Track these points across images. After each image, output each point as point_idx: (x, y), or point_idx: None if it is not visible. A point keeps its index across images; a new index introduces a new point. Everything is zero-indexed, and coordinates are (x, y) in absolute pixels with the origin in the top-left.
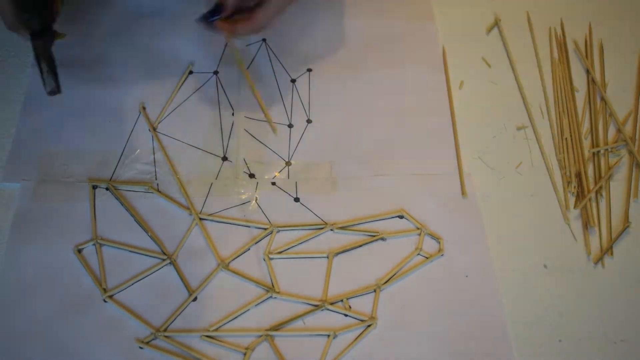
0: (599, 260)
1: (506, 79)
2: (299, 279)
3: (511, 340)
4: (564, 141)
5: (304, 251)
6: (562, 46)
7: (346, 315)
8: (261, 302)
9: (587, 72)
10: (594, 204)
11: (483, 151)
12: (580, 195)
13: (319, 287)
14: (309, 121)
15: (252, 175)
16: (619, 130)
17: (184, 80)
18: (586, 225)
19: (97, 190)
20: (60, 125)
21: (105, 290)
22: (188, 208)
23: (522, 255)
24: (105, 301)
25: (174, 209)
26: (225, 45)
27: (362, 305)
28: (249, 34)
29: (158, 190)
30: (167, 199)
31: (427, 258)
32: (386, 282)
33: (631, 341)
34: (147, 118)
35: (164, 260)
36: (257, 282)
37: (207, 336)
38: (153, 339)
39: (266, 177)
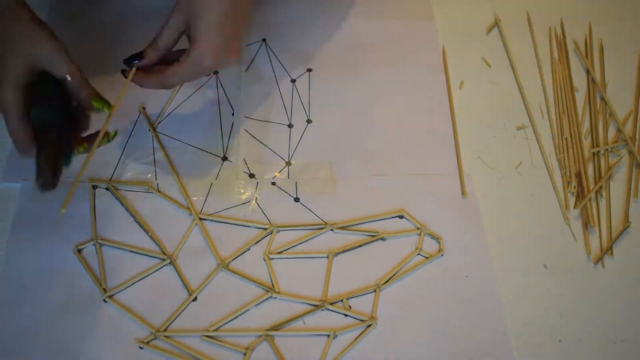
0: (599, 260)
1: (506, 79)
2: (299, 279)
3: (511, 340)
4: (564, 141)
5: (304, 251)
6: (562, 46)
7: (346, 315)
8: (261, 302)
9: (587, 72)
10: (594, 204)
11: (483, 151)
12: (580, 195)
13: (319, 287)
14: (309, 121)
15: (252, 175)
16: (619, 130)
17: None
18: (586, 225)
19: (97, 190)
20: None
21: (105, 290)
22: (188, 208)
23: (522, 255)
24: (105, 301)
25: (174, 209)
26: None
27: (362, 305)
28: (155, 87)
29: (158, 190)
30: (167, 199)
31: (427, 258)
32: (386, 282)
33: (631, 341)
34: (147, 118)
35: (164, 260)
36: (257, 282)
37: (207, 336)
38: (153, 339)
39: (266, 177)
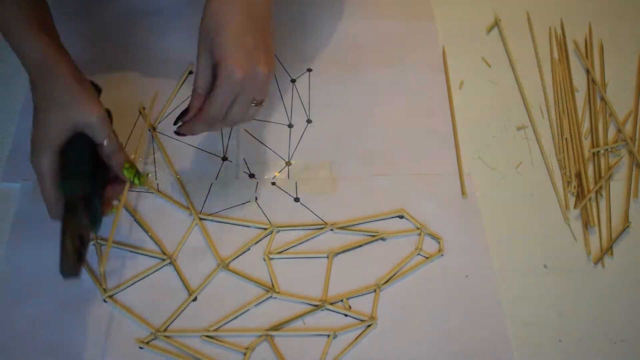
0: (599, 260)
1: (506, 79)
2: (299, 279)
3: (511, 340)
4: (564, 141)
5: (304, 251)
6: (562, 46)
7: (346, 315)
8: (261, 302)
9: (587, 72)
10: (594, 204)
11: (483, 151)
12: (580, 195)
13: (319, 287)
14: (309, 121)
15: (252, 175)
16: (619, 130)
17: (184, 80)
18: (586, 225)
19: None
20: None
21: (105, 290)
22: (188, 208)
23: (522, 255)
24: (105, 301)
25: (174, 209)
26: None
27: (362, 305)
28: (205, 129)
29: (158, 190)
30: (167, 199)
31: (427, 258)
32: (386, 282)
33: (631, 341)
34: (147, 118)
35: (164, 260)
36: (257, 282)
37: (207, 336)
38: (153, 339)
39: (266, 177)
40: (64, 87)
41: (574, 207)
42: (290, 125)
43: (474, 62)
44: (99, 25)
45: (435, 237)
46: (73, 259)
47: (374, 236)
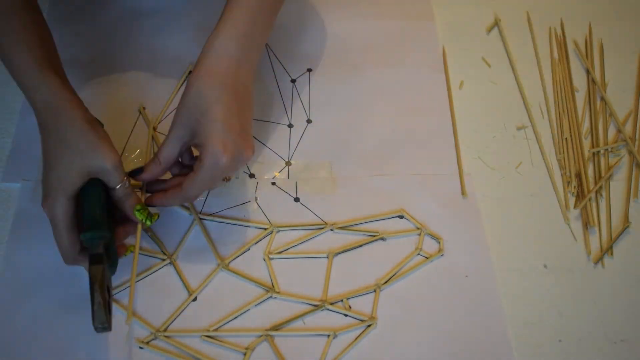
0: (599, 260)
1: (506, 79)
2: (299, 279)
3: (511, 340)
4: (564, 141)
5: (304, 251)
6: (562, 46)
7: (346, 315)
8: (261, 302)
9: (587, 72)
10: (594, 204)
11: (483, 151)
12: (580, 195)
13: (319, 287)
14: (309, 121)
15: (252, 175)
16: (619, 130)
17: (184, 80)
18: (586, 225)
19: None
20: None
21: None
22: (188, 208)
23: (522, 255)
24: None
25: (174, 209)
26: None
27: (362, 305)
28: (178, 204)
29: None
30: None
31: (427, 258)
32: (386, 282)
33: (631, 341)
34: (147, 118)
35: (164, 260)
36: (257, 282)
37: (207, 336)
38: (153, 339)
39: (266, 177)
40: (79, 132)
41: (574, 207)
42: (290, 125)
43: (474, 62)
44: (99, 25)
45: (435, 237)
46: (105, 313)
47: (374, 236)
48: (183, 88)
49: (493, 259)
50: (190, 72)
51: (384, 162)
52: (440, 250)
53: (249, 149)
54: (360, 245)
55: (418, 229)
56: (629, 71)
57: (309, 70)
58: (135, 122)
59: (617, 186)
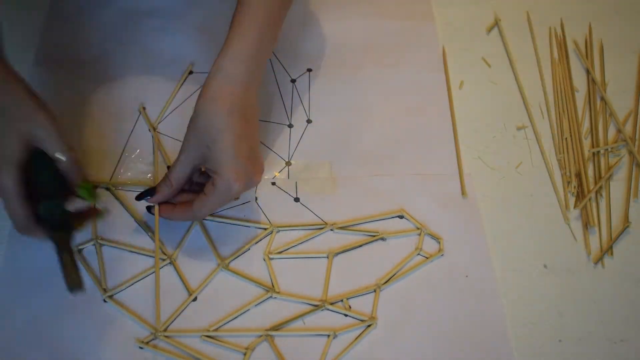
0: (599, 260)
1: (506, 79)
2: (299, 279)
3: (511, 340)
4: (564, 141)
5: (304, 251)
6: (562, 46)
7: (346, 315)
8: (261, 302)
9: (587, 72)
10: (594, 204)
11: (483, 151)
12: (580, 195)
13: (319, 287)
14: (309, 121)
15: None
16: (619, 130)
17: (184, 80)
18: (586, 225)
19: (97, 190)
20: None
21: (105, 290)
22: None
23: (522, 255)
24: (105, 301)
25: None
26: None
27: (362, 305)
28: (184, 220)
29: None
30: None
31: (427, 258)
32: (386, 282)
33: (631, 341)
34: (147, 118)
35: (164, 260)
36: (257, 282)
37: (207, 336)
38: (153, 339)
39: (266, 177)
40: (17, 101)
41: (574, 207)
42: (290, 125)
43: (474, 62)
44: (99, 25)
45: (435, 237)
46: (77, 274)
47: (374, 236)
48: (183, 88)
49: (493, 259)
50: (190, 72)
51: (384, 162)
52: (440, 250)
53: (258, 173)
54: (360, 245)
55: (418, 229)
56: (629, 71)
57: (309, 70)
58: (136, 122)
59: (617, 186)
